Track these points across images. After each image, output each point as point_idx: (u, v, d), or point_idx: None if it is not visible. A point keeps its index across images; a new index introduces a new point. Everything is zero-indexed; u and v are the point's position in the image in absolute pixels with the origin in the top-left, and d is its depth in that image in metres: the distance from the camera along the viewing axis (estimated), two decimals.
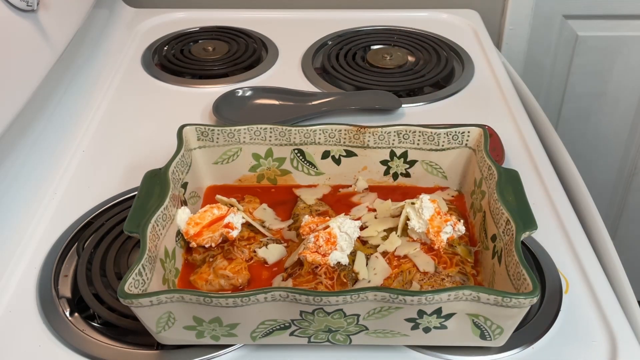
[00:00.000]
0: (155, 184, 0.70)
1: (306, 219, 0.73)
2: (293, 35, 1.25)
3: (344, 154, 0.80)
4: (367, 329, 0.61)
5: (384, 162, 0.80)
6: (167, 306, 0.59)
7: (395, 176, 0.81)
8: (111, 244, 0.77)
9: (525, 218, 0.65)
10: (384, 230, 0.73)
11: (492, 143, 0.89)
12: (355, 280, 0.68)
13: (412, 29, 1.26)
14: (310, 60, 1.17)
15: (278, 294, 0.57)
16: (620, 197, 1.62)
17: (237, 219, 0.73)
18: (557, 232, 0.79)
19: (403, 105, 1.02)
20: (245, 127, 0.79)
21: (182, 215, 0.71)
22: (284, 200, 0.80)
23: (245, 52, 1.19)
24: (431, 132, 0.78)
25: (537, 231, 0.65)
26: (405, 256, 0.70)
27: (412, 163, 0.80)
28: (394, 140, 0.79)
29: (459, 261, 0.70)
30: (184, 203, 0.74)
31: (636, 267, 1.35)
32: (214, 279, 0.69)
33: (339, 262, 0.68)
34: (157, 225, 0.67)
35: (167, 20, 1.31)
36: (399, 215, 0.73)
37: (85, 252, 0.77)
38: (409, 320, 0.60)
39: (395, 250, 0.71)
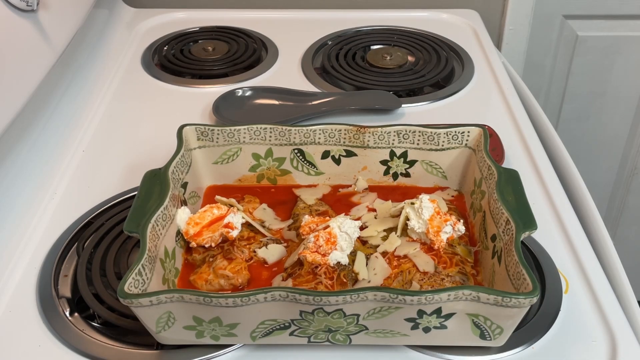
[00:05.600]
0: (155, 184, 0.70)
1: (306, 218, 0.73)
2: (293, 35, 1.25)
3: (344, 153, 0.80)
4: (367, 328, 0.61)
5: (383, 162, 0.80)
6: (167, 306, 0.59)
7: (395, 176, 0.81)
8: (111, 243, 0.77)
9: (525, 218, 0.65)
10: (384, 230, 0.73)
11: (492, 143, 0.89)
12: (355, 280, 0.68)
13: (412, 29, 1.26)
14: (310, 60, 1.17)
15: (278, 294, 0.57)
16: (620, 197, 1.62)
17: (237, 219, 0.73)
18: (557, 232, 0.79)
19: (403, 105, 1.02)
20: (245, 127, 0.79)
21: (182, 215, 0.71)
22: (284, 200, 0.80)
23: (245, 52, 1.19)
24: (431, 132, 0.78)
25: (537, 231, 0.64)
26: (405, 256, 0.70)
27: (412, 163, 0.80)
28: (393, 140, 0.79)
29: (459, 261, 0.69)
30: (184, 203, 0.74)
31: (636, 267, 1.36)
32: (213, 279, 0.69)
33: (338, 262, 0.68)
34: (157, 225, 0.67)
35: (167, 20, 1.31)
36: (398, 215, 0.73)
37: (85, 252, 0.77)
38: (408, 320, 0.60)
39: (395, 250, 0.71)
